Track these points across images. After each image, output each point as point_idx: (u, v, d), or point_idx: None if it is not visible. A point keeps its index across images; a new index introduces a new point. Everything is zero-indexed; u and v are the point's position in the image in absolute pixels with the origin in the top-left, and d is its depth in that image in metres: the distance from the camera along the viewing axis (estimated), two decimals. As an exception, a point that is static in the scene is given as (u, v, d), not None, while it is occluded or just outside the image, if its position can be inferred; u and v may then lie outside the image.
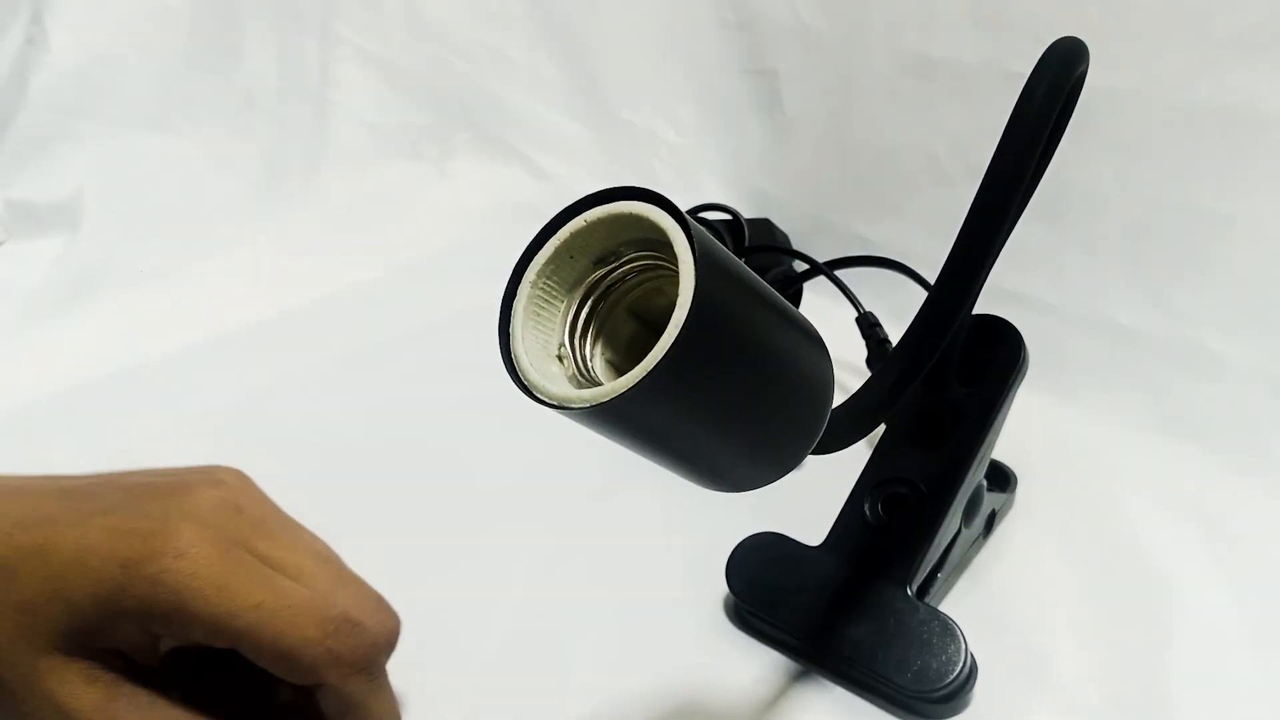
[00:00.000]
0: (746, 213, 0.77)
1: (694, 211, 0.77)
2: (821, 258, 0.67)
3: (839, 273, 0.64)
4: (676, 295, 0.25)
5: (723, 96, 0.88)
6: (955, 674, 0.42)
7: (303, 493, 0.58)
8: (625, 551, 0.54)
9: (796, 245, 0.77)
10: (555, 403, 0.26)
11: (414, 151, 0.97)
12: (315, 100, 0.96)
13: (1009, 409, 0.49)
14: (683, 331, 0.24)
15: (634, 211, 0.27)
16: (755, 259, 0.72)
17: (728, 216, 0.74)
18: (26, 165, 0.86)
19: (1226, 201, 0.64)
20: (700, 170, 0.89)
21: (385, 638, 0.36)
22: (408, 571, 0.52)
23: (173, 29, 0.92)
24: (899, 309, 0.55)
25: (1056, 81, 0.36)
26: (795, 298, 0.69)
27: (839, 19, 0.80)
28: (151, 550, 0.31)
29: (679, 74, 0.91)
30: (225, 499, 0.34)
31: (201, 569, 0.31)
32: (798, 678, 0.46)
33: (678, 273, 0.25)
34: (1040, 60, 0.36)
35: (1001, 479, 0.56)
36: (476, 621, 0.49)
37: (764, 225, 0.76)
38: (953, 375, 0.47)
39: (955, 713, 0.44)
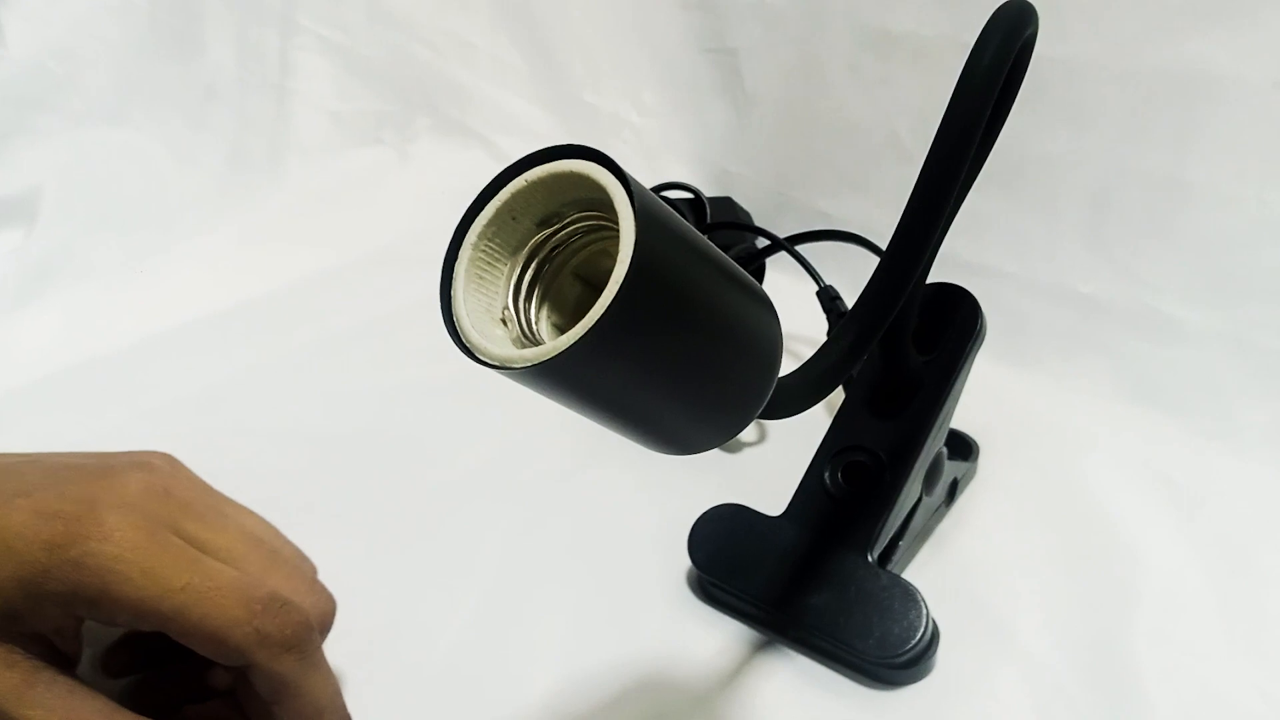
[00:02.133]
0: (709, 191, 0.77)
1: (656, 190, 0.76)
2: (784, 234, 0.67)
3: (800, 248, 0.64)
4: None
5: (684, 76, 0.88)
6: (917, 639, 0.42)
7: (268, 481, 0.58)
8: (588, 528, 0.54)
9: (759, 223, 0.77)
10: (496, 363, 0.26)
11: (376, 138, 0.96)
12: (276, 89, 0.95)
13: (967, 376, 0.49)
14: (622, 288, 0.24)
15: (575, 170, 0.26)
16: (717, 236, 0.72)
17: (690, 195, 0.74)
18: (-16, 159, 0.85)
19: (1184, 167, 0.65)
20: (663, 150, 0.89)
21: (317, 617, 0.35)
22: (374, 553, 0.52)
23: (131, 20, 0.91)
24: (860, 282, 0.55)
25: (1004, 43, 0.36)
26: (758, 274, 0.69)
27: (798, -4, 0.80)
28: (76, 533, 0.30)
29: (640, 55, 0.91)
30: (153, 483, 0.34)
31: (126, 552, 0.31)
32: (761, 647, 0.46)
33: (620, 229, 0.25)
34: (988, 22, 0.36)
35: (963, 448, 0.56)
36: (443, 599, 0.49)
37: (726, 203, 0.76)
38: (910, 343, 0.47)
39: (918, 678, 0.44)
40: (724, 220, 0.73)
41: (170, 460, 0.37)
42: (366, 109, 0.96)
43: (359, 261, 0.83)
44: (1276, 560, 0.51)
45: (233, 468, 0.59)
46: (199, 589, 0.31)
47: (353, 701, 0.39)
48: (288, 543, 0.41)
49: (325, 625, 0.37)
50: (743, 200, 0.80)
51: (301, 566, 0.37)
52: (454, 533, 0.53)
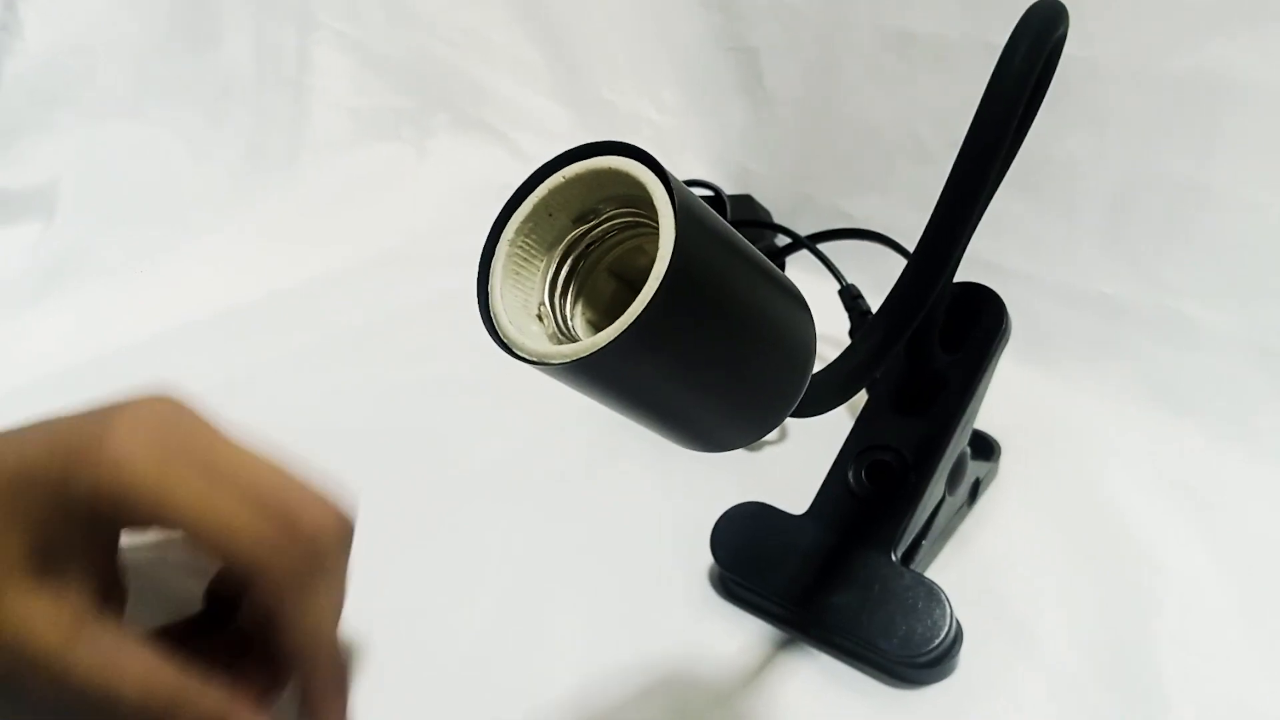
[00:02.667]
0: (730, 189, 0.77)
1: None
2: (804, 233, 0.67)
3: (821, 246, 0.64)
4: (657, 252, 0.24)
5: (704, 75, 0.88)
6: (941, 639, 0.42)
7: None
8: (609, 526, 0.53)
9: (779, 220, 0.77)
10: (534, 359, 0.26)
11: (394, 134, 0.96)
12: (294, 86, 0.95)
13: (992, 376, 0.49)
14: (662, 286, 0.24)
15: (614, 166, 0.26)
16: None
17: (710, 193, 0.74)
18: (0, 153, 0.85)
19: (1206, 170, 0.64)
20: (682, 148, 0.89)
21: (333, 528, 0.35)
22: (392, 550, 0.52)
23: (148, 15, 0.91)
24: (881, 281, 0.55)
25: (1036, 43, 0.35)
26: (778, 273, 0.69)
27: (819, -5, 0.80)
28: (91, 442, 0.31)
29: (660, 53, 0.91)
30: (163, 409, 0.34)
31: (140, 449, 0.31)
32: (783, 646, 0.46)
33: (658, 229, 0.25)
34: (1019, 22, 0.36)
35: (985, 448, 0.56)
36: (463, 596, 0.49)
37: (746, 201, 0.76)
38: (936, 342, 0.47)
39: (941, 677, 0.44)
40: (744, 218, 0.73)
41: (178, 400, 0.37)
42: (384, 105, 0.96)
43: (376, 258, 0.83)
44: (1298, 564, 0.51)
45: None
46: (211, 491, 0.32)
47: (372, 698, 0.39)
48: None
49: (341, 540, 0.36)
50: (762, 199, 0.80)
51: (316, 485, 0.37)
52: (474, 530, 0.53)
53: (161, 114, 0.91)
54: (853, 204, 0.78)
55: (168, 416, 0.34)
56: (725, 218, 0.71)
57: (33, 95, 0.87)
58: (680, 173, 0.86)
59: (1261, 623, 0.48)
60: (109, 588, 0.34)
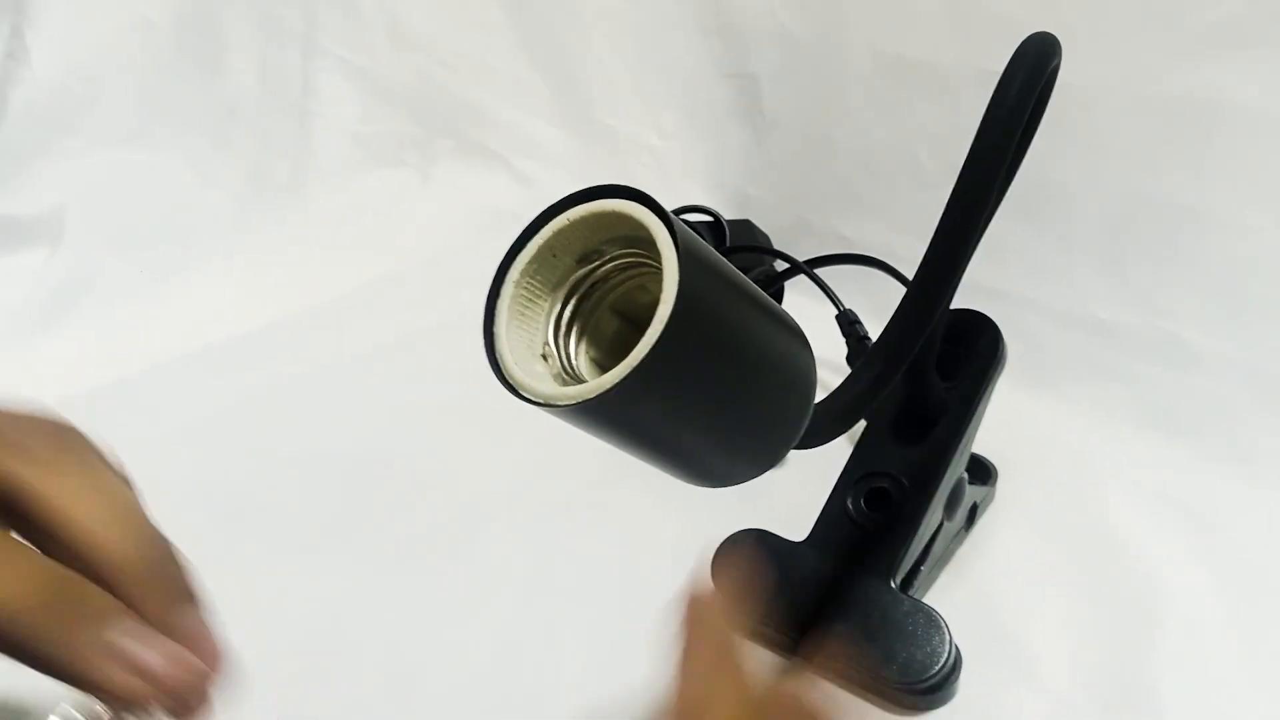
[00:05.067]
0: (729, 214, 0.78)
1: (676, 213, 0.77)
2: (803, 258, 0.67)
3: (819, 271, 0.65)
4: (659, 292, 0.25)
5: (703, 100, 0.89)
6: (940, 665, 0.43)
7: (289, 502, 0.59)
8: (611, 551, 0.54)
9: (778, 245, 0.77)
10: (540, 400, 0.26)
11: (397, 160, 0.97)
12: (298, 111, 0.96)
13: (989, 402, 0.49)
14: (666, 328, 0.24)
15: (617, 209, 0.27)
16: (736, 259, 0.72)
17: (709, 218, 0.75)
18: (7, 179, 0.86)
19: (1201, 195, 0.65)
20: (682, 173, 0.90)
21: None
22: (399, 574, 0.53)
23: (154, 41, 0.92)
24: (879, 306, 0.56)
25: (1031, 76, 0.36)
26: (777, 296, 0.70)
27: (817, 22, 0.80)
28: None
29: (660, 78, 0.91)
30: None
31: None
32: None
33: (661, 269, 0.25)
34: (1014, 55, 0.37)
35: (983, 472, 0.57)
36: (466, 621, 0.49)
37: (745, 226, 0.76)
38: (933, 369, 0.48)
39: (941, 703, 0.44)
40: (743, 243, 0.73)
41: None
42: (388, 131, 0.97)
43: (379, 283, 0.83)
44: (1294, 587, 0.51)
45: (253, 488, 0.60)
46: None
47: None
48: None
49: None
50: (761, 223, 0.80)
51: None
52: (473, 556, 0.53)
53: (167, 140, 0.91)
54: (851, 229, 0.78)
55: None
56: (725, 242, 0.72)
57: (40, 122, 0.88)
58: (680, 198, 0.87)
59: (1260, 645, 0.48)
60: None
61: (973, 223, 0.37)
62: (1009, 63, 0.36)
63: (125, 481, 0.31)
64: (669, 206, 0.83)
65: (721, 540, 0.49)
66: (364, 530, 0.56)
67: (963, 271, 0.38)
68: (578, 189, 0.27)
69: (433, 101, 0.97)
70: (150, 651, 0.26)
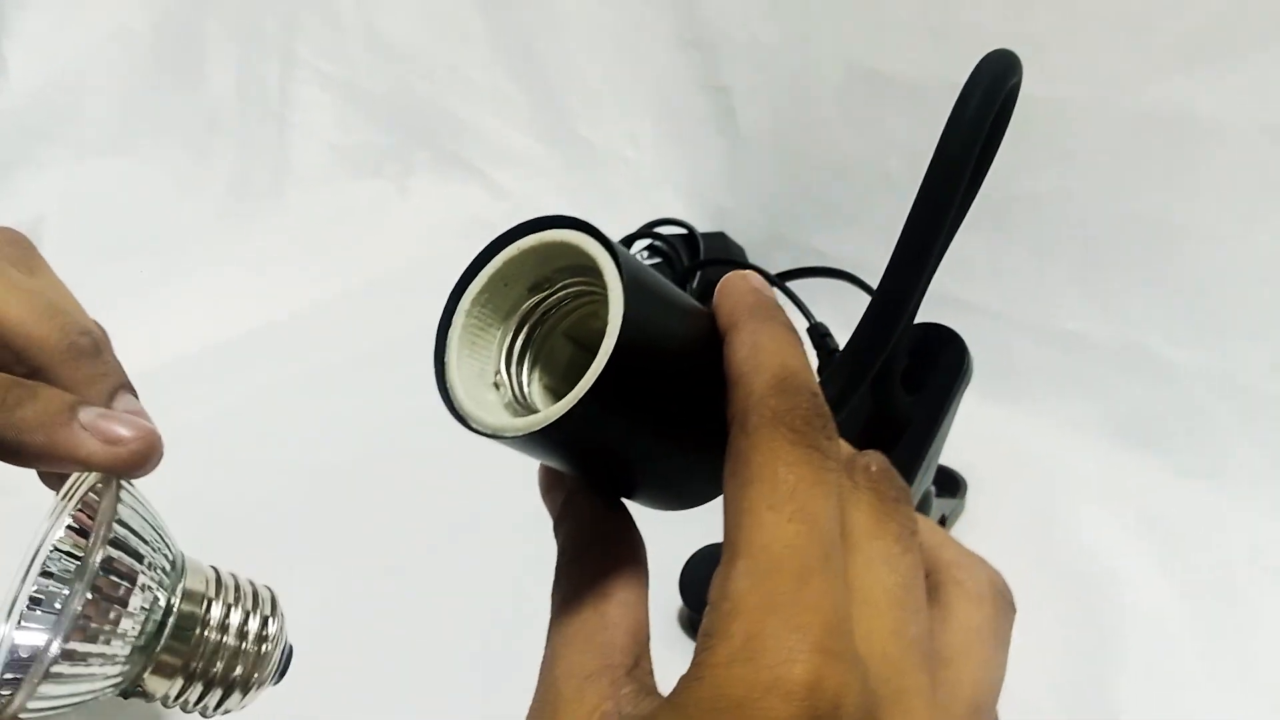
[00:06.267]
0: (704, 227, 0.78)
1: (650, 226, 0.77)
2: (777, 269, 0.67)
3: (790, 284, 0.65)
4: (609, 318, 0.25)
5: (679, 112, 0.89)
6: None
7: (267, 512, 0.59)
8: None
9: (753, 258, 0.78)
10: (489, 432, 0.26)
11: (375, 171, 0.97)
12: (277, 121, 0.96)
13: (955, 415, 0.49)
14: (613, 355, 0.25)
15: (563, 239, 0.27)
16: (709, 272, 0.73)
17: (683, 231, 0.75)
18: (-13, 190, 0.86)
19: (1171, 207, 0.65)
20: (658, 185, 0.90)
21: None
22: (371, 584, 0.53)
23: (133, 52, 0.92)
24: (851, 319, 0.55)
25: (989, 93, 0.36)
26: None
27: (791, 34, 0.81)
28: None
29: (637, 91, 0.92)
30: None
31: None
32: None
33: (608, 297, 0.25)
34: (972, 72, 0.37)
35: (951, 484, 0.57)
36: (437, 633, 0.49)
37: (719, 239, 0.77)
38: (898, 383, 0.48)
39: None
40: (717, 256, 0.74)
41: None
42: (366, 142, 0.97)
43: (357, 293, 0.84)
44: (1261, 600, 0.52)
45: (232, 498, 0.60)
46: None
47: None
48: None
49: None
50: (736, 236, 0.81)
51: None
52: (448, 566, 0.54)
53: (146, 150, 0.92)
54: (826, 241, 0.79)
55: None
56: (699, 255, 0.72)
57: (18, 132, 0.88)
58: (655, 210, 0.87)
59: (1227, 658, 0.49)
60: None
61: (931, 238, 0.37)
62: (967, 80, 0.36)
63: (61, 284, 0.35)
64: (644, 218, 0.84)
65: (690, 555, 0.50)
66: (338, 540, 0.57)
67: (925, 284, 0.39)
68: (529, 218, 0.28)
69: (411, 112, 0.97)
70: (117, 425, 0.31)
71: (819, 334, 0.63)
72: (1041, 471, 0.61)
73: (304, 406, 0.69)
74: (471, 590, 0.52)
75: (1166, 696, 0.46)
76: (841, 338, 0.63)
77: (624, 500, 0.31)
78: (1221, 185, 0.64)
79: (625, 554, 0.29)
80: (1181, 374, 0.64)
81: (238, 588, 0.31)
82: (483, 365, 0.28)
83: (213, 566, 0.31)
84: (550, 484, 0.31)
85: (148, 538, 0.29)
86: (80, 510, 0.28)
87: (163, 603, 0.28)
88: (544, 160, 0.95)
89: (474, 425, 0.27)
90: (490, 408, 0.27)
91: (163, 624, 0.28)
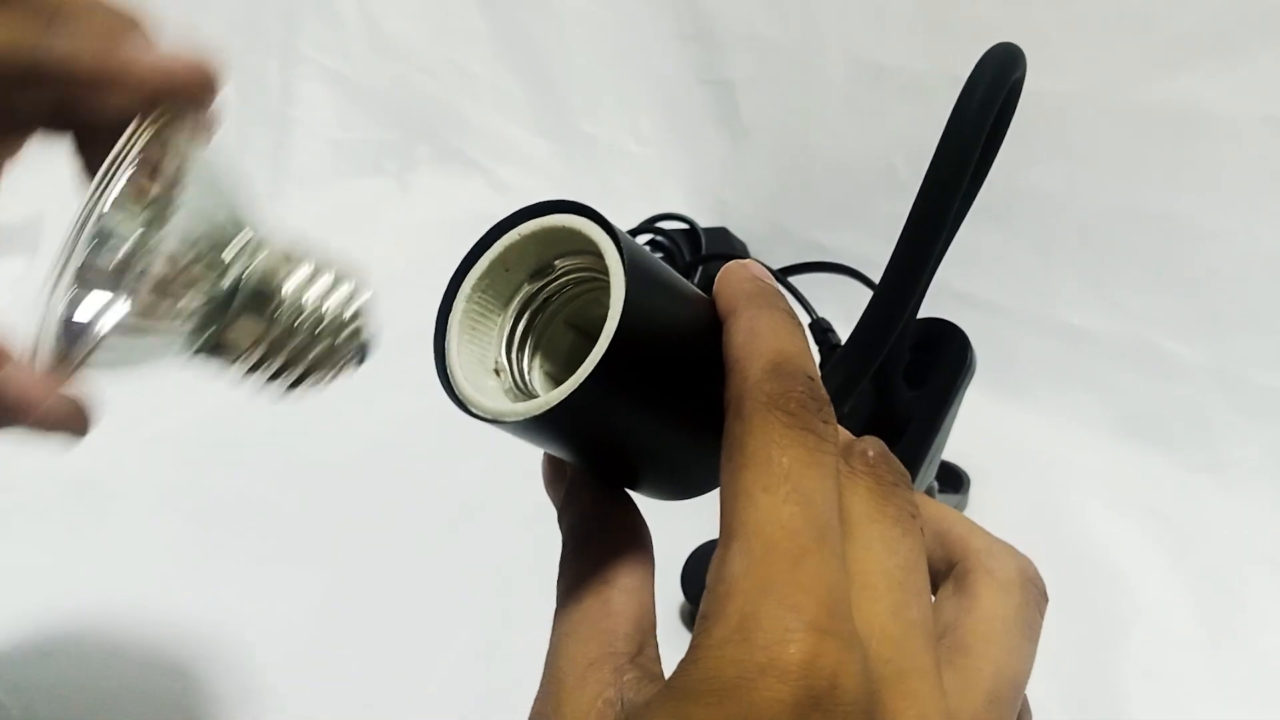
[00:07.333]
0: (706, 221, 0.78)
1: (651, 221, 0.77)
2: (779, 265, 0.67)
3: (793, 279, 0.65)
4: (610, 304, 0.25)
5: (681, 107, 0.89)
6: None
7: (265, 510, 0.59)
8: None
9: (755, 253, 0.78)
10: (489, 417, 0.26)
11: (376, 167, 0.97)
12: (277, 118, 0.96)
13: (958, 410, 0.49)
14: (615, 339, 0.24)
15: (565, 224, 0.27)
16: (711, 267, 0.72)
17: (685, 226, 0.75)
18: (-14, 187, 0.86)
19: (1175, 202, 0.65)
20: (660, 180, 0.90)
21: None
22: (368, 582, 0.53)
23: (133, 47, 0.92)
24: (853, 314, 0.55)
25: (992, 87, 0.36)
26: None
27: (793, 29, 0.80)
28: None
29: (638, 86, 0.91)
30: None
31: None
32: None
33: (610, 280, 0.25)
34: (976, 66, 0.37)
35: (955, 480, 0.57)
36: (435, 630, 0.49)
37: (721, 234, 0.77)
38: (901, 378, 0.48)
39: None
40: (719, 251, 0.74)
41: None
42: (367, 138, 0.97)
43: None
44: (1265, 595, 0.52)
45: (231, 497, 0.60)
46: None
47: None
48: None
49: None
50: (738, 231, 0.80)
51: None
52: (447, 565, 0.53)
53: (146, 146, 0.91)
54: (828, 236, 0.78)
55: None
56: (700, 250, 0.72)
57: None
58: (657, 204, 0.86)
59: (1230, 652, 0.48)
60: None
61: (935, 231, 0.37)
62: (970, 74, 0.36)
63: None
64: (647, 213, 0.83)
65: (692, 549, 0.49)
66: (336, 538, 0.56)
67: (928, 279, 0.39)
68: (528, 204, 0.27)
69: (412, 108, 0.97)
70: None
71: (821, 329, 0.62)
72: (1045, 466, 0.61)
73: (302, 405, 0.69)
74: (475, 584, 0.52)
75: (1170, 690, 0.46)
76: (844, 333, 0.62)
77: (627, 491, 0.31)
78: (1226, 180, 0.64)
79: (628, 541, 0.29)
80: (1186, 369, 0.64)
81: (322, 264, 0.30)
82: (483, 351, 0.28)
83: (295, 240, 0.30)
84: (553, 475, 0.31)
85: (224, 188, 0.27)
86: (150, 146, 0.26)
87: (240, 262, 0.27)
88: (545, 155, 0.95)
89: (474, 410, 0.26)
90: (490, 393, 0.27)
91: (238, 283, 0.27)
